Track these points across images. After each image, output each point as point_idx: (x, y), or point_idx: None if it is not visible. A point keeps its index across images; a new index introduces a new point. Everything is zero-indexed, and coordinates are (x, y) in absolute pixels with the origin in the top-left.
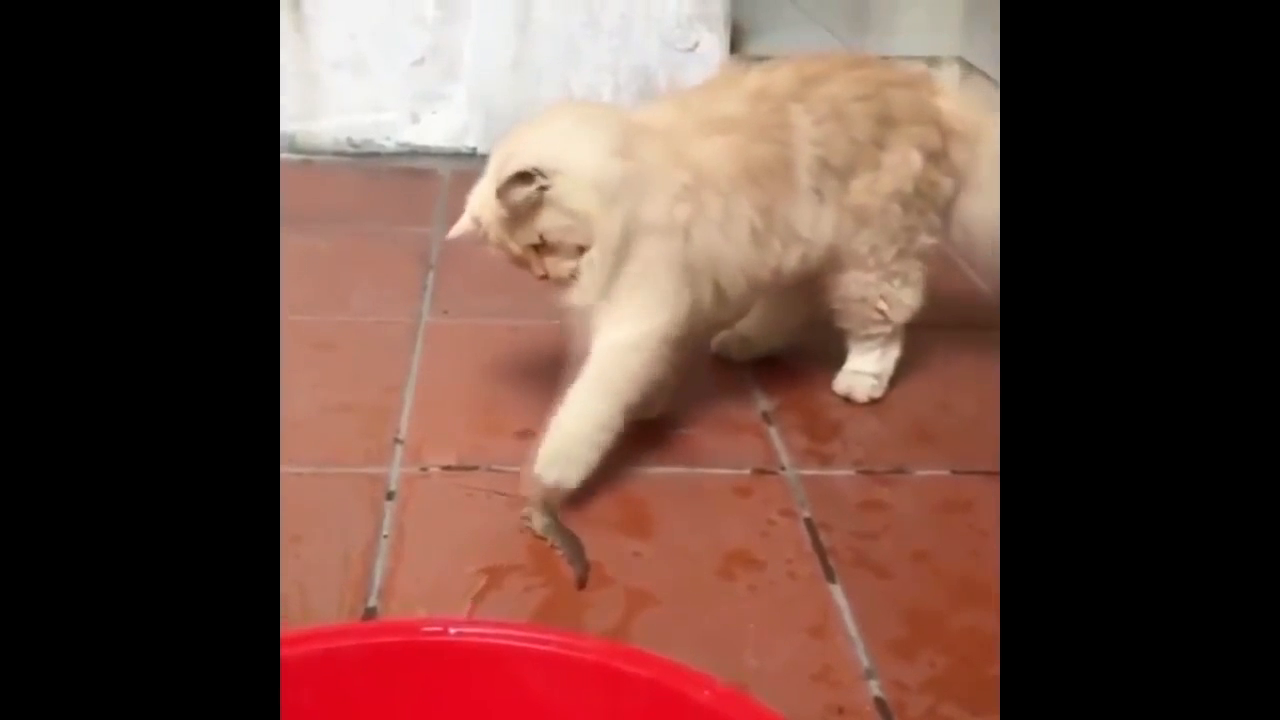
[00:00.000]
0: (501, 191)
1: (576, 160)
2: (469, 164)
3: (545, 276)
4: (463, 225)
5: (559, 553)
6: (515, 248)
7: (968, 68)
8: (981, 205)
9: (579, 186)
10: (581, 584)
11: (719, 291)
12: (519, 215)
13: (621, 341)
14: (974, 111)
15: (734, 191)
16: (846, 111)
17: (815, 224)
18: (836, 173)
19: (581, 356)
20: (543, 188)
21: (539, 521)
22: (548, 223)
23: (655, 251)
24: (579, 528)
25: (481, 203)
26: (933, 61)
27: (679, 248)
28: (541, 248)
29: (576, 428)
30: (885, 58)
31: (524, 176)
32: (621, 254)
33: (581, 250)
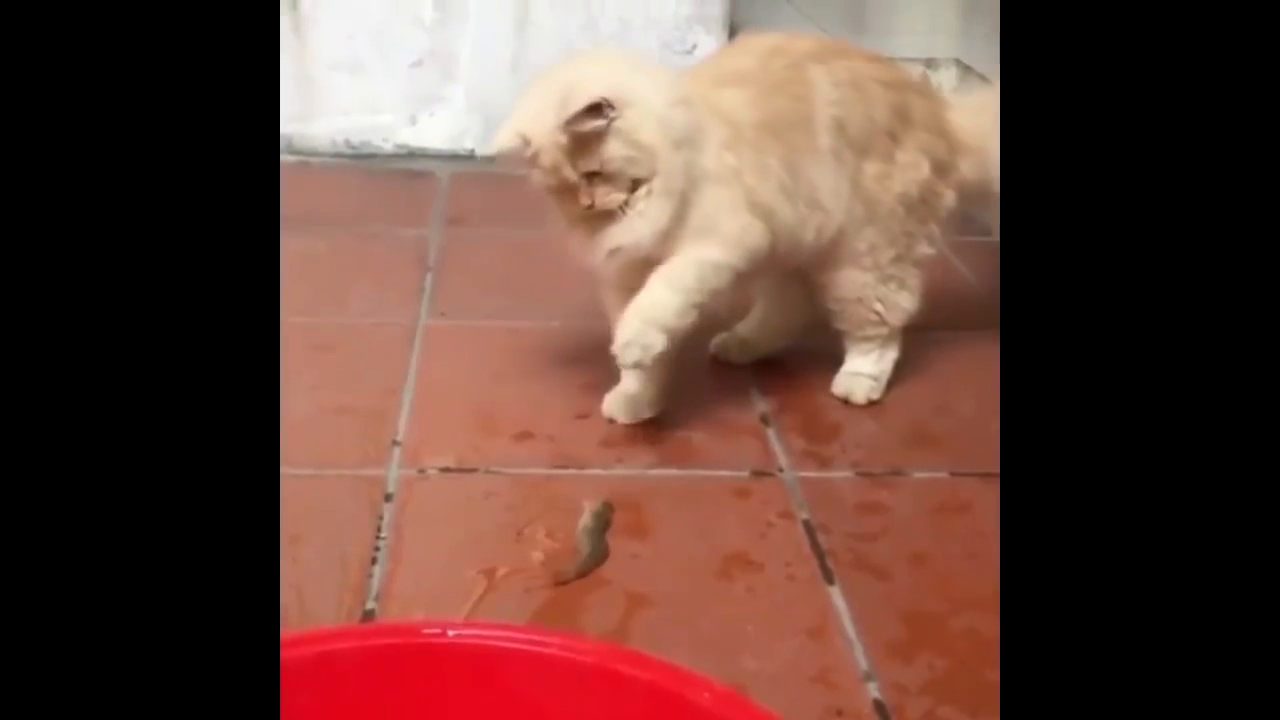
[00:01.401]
0: (572, 121)
1: (645, 94)
2: (467, 166)
3: (590, 206)
4: (506, 141)
5: (575, 551)
6: (570, 174)
7: (965, 70)
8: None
9: (648, 119)
10: (563, 581)
11: (771, 248)
12: (583, 143)
13: (704, 257)
14: (982, 126)
15: (760, 144)
16: (867, 87)
17: (834, 192)
18: (852, 144)
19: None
20: (612, 118)
21: (586, 520)
22: (612, 152)
23: (719, 197)
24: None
25: (532, 123)
26: (930, 63)
27: (740, 191)
28: (595, 175)
29: (650, 314)
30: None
31: (595, 108)
32: (685, 196)
33: (636, 184)
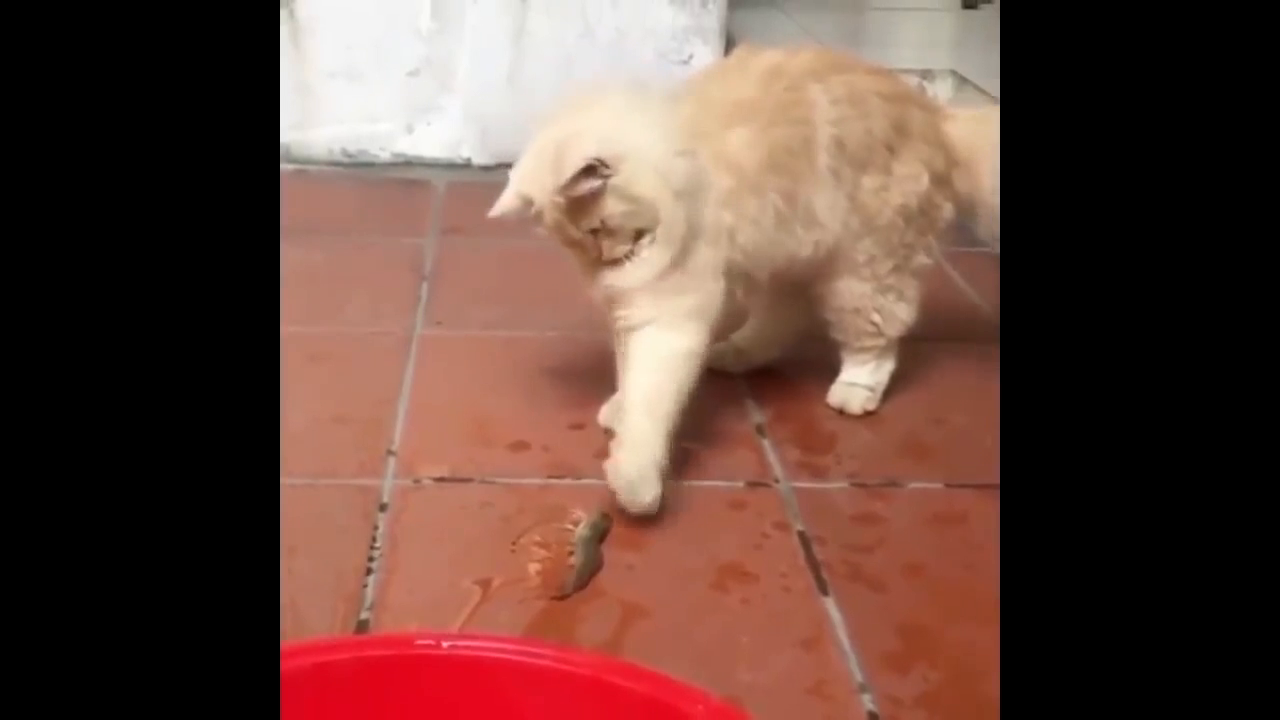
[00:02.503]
0: (566, 187)
1: (639, 144)
2: (464, 175)
3: (599, 258)
4: (508, 203)
5: (570, 563)
6: (574, 232)
7: (961, 81)
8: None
9: (644, 172)
10: (562, 596)
11: (750, 282)
12: (581, 204)
13: (677, 349)
14: (980, 138)
15: (761, 186)
16: (866, 101)
17: (831, 208)
18: (850, 160)
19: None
20: (606, 176)
21: (582, 530)
22: (610, 209)
23: (705, 258)
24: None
25: (531, 184)
26: (926, 74)
27: (724, 253)
28: (599, 231)
29: (647, 454)
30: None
31: (589, 170)
32: (685, 244)
33: (640, 234)
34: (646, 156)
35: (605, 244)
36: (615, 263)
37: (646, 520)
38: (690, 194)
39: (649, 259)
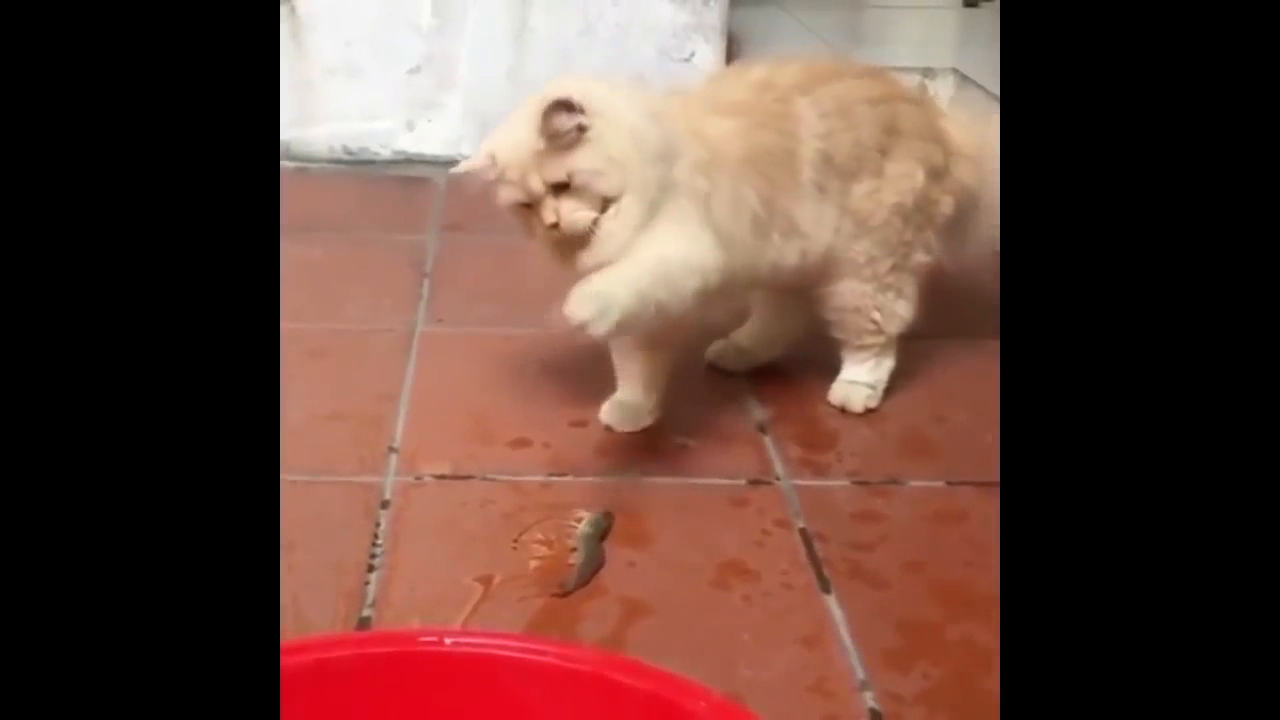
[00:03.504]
0: (545, 114)
1: (619, 108)
2: None
3: (555, 225)
4: (474, 161)
5: (570, 562)
6: (536, 184)
7: (962, 79)
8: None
9: (620, 132)
10: (564, 593)
11: (731, 290)
12: (554, 147)
13: (671, 252)
14: (977, 133)
15: (739, 176)
16: (853, 111)
17: (816, 220)
18: (839, 172)
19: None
20: (582, 127)
21: (584, 527)
22: (582, 162)
23: (685, 211)
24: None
25: (501, 141)
26: (928, 72)
27: (705, 212)
28: (563, 190)
29: (614, 277)
30: (883, 68)
31: (568, 105)
32: (654, 210)
33: (605, 203)
34: (622, 118)
35: (565, 206)
36: (582, 243)
37: (649, 517)
38: (661, 158)
39: (615, 232)
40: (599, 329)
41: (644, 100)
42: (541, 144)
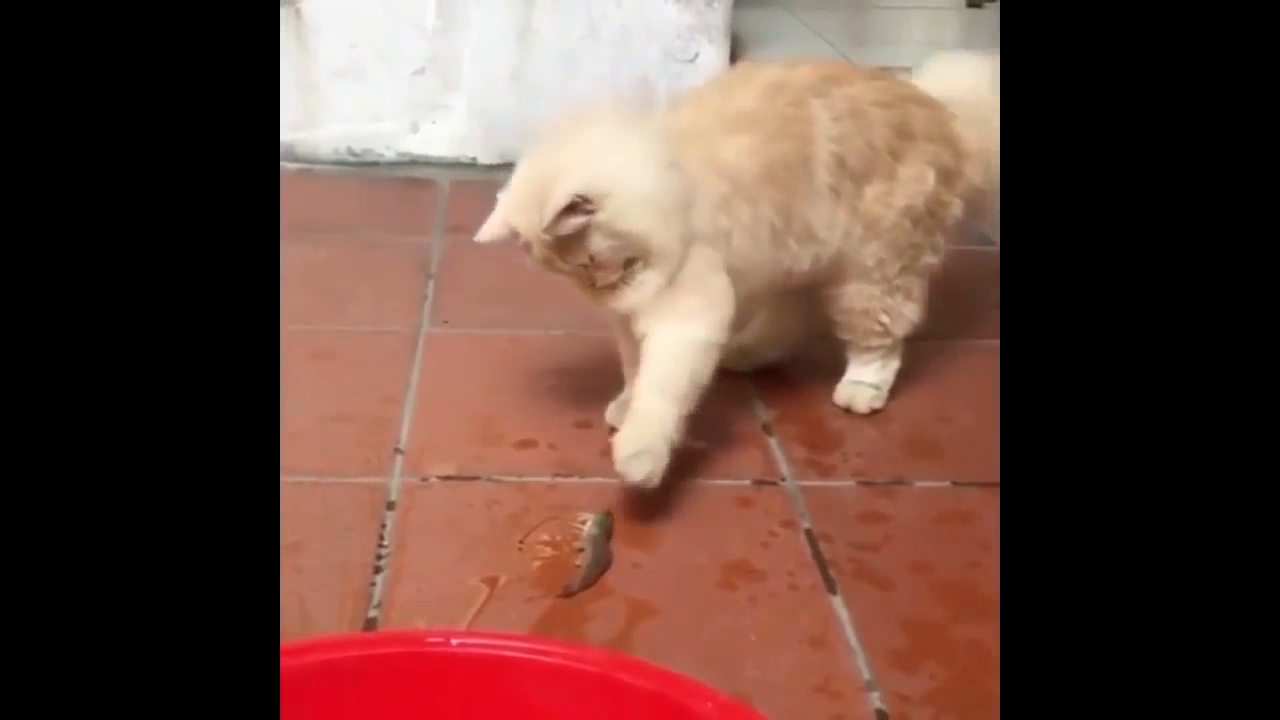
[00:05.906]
0: (550, 227)
1: (625, 177)
2: (469, 174)
3: (592, 285)
4: (495, 231)
5: (575, 563)
6: (563, 266)
7: None
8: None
9: (629, 205)
10: (570, 594)
11: (748, 294)
12: (568, 241)
13: (691, 339)
14: (988, 135)
15: (758, 196)
16: (865, 114)
17: (830, 224)
18: (852, 174)
19: (630, 351)
20: (590, 212)
21: (590, 528)
22: (598, 245)
23: (705, 257)
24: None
25: (518, 216)
26: None
27: (723, 254)
28: (589, 265)
29: (655, 428)
30: (884, 69)
31: (572, 208)
32: (680, 259)
33: (631, 261)
34: (633, 190)
35: (598, 275)
36: (611, 289)
37: (654, 518)
38: (682, 208)
39: (645, 281)
40: (653, 483)
41: (657, 148)
42: (554, 239)
